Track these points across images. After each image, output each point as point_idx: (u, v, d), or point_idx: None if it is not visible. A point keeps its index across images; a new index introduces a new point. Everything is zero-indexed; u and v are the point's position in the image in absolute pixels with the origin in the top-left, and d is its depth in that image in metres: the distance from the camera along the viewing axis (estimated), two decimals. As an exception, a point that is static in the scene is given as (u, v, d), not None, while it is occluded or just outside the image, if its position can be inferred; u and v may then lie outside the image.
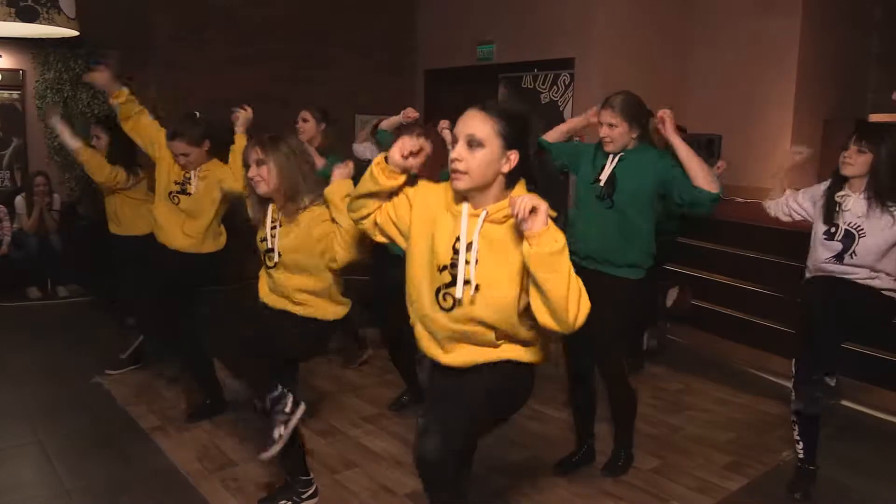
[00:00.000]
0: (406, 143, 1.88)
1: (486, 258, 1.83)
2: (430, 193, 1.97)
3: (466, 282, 1.83)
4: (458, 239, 1.87)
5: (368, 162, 2.07)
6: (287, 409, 2.59)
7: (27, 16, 3.80)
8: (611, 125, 2.88)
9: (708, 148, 5.67)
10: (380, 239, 2.06)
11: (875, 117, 6.02)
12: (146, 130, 3.62)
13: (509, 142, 1.81)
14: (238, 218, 3.46)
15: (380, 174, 1.92)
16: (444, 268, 1.88)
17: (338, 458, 3.25)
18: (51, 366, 4.38)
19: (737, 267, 4.87)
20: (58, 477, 3.05)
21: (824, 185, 3.02)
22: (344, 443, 3.43)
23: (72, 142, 4.02)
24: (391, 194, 1.98)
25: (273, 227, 2.60)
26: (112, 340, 4.49)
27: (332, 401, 3.93)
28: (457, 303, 1.86)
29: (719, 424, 3.76)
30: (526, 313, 1.87)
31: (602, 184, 2.91)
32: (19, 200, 5.91)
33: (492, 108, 1.83)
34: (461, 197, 1.89)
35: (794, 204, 3.17)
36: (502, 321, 1.86)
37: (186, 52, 6.31)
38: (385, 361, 4.49)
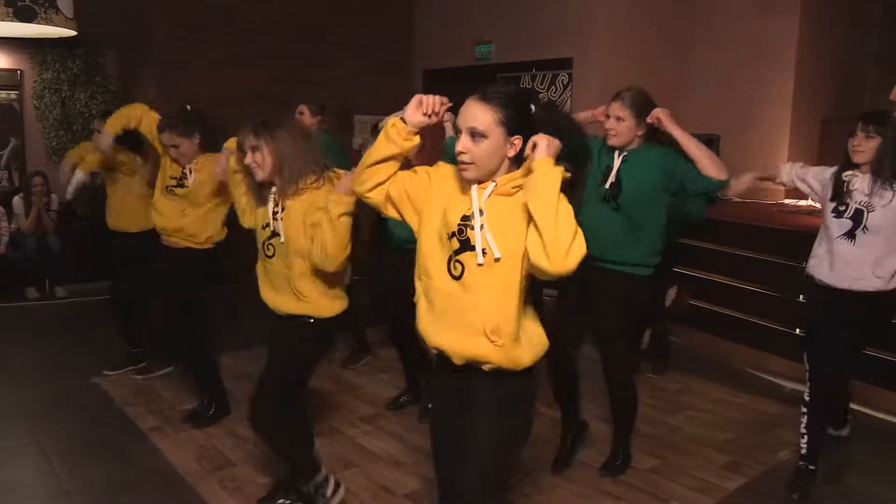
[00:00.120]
0: (426, 101, 1.88)
1: (493, 228, 1.84)
2: (448, 172, 1.98)
3: (474, 247, 1.84)
4: (465, 218, 1.88)
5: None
6: (328, 494, 2.74)
7: (25, 15, 3.80)
8: (619, 118, 2.89)
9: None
10: (390, 213, 2.02)
11: (873, 117, 6.02)
12: (150, 125, 3.61)
13: (511, 128, 1.82)
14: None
15: (397, 136, 1.90)
16: (453, 235, 1.88)
17: (336, 458, 3.24)
18: (49, 366, 4.38)
19: (735, 267, 4.87)
20: (57, 477, 3.04)
21: (832, 170, 3.01)
22: (342, 443, 3.43)
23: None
24: (400, 157, 1.96)
25: (276, 213, 2.55)
26: (111, 341, 4.49)
27: (330, 401, 3.93)
28: (465, 269, 1.86)
29: (718, 424, 3.77)
30: (526, 310, 1.88)
31: (607, 187, 2.92)
32: (17, 200, 5.91)
33: (491, 96, 1.83)
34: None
35: (807, 177, 3.14)
36: (502, 298, 1.85)
37: (185, 52, 6.30)
38: (384, 362, 4.50)
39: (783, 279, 4.49)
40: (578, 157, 1.92)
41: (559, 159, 1.79)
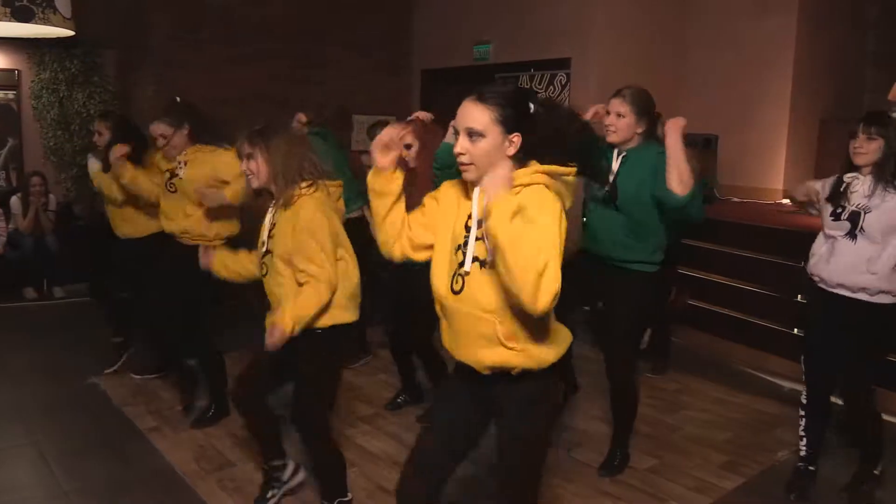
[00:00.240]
0: (383, 139, 1.92)
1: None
2: (451, 188, 2.00)
3: (474, 259, 1.84)
4: (469, 217, 1.89)
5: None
6: (285, 479, 2.81)
7: (23, 15, 3.79)
8: (619, 114, 2.89)
9: (705, 147, 5.67)
10: (421, 257, 2.02)
11: (872, 117, 6.02)
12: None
13: (509, 126, 1.81)
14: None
15: (382, 186, 1.96)
16: (459, 248, 1.89)
17: (335, 458, 3.24)
18: (48, 366, 4.37)
19: (734, 267, 4.87)
20: (55, 478, 3.04)
21: (835, 176, 3.01)
22: (341, 443, 3.42)
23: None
24: (399, 196, 2.00)
25: (271, 230, 2.52)
26: (110, 341, 4.48)
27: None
28: (465, 283, 1.86)
29: (717, 424, 3.77)
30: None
31: (607, 189, 2.92)
32: (15, 201, 5.90)
33: (487, 96, 1.83)
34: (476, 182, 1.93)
35: (812, 188, 3.14)
36: (507, 306, 1.83)
37: (184, 52, 6.30)
38: (383, 362, 4.49)
39: (782, 279, 4.49)
40: (587, 153, 1.92)
41: (567, 158, 1.80)
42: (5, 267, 5.77)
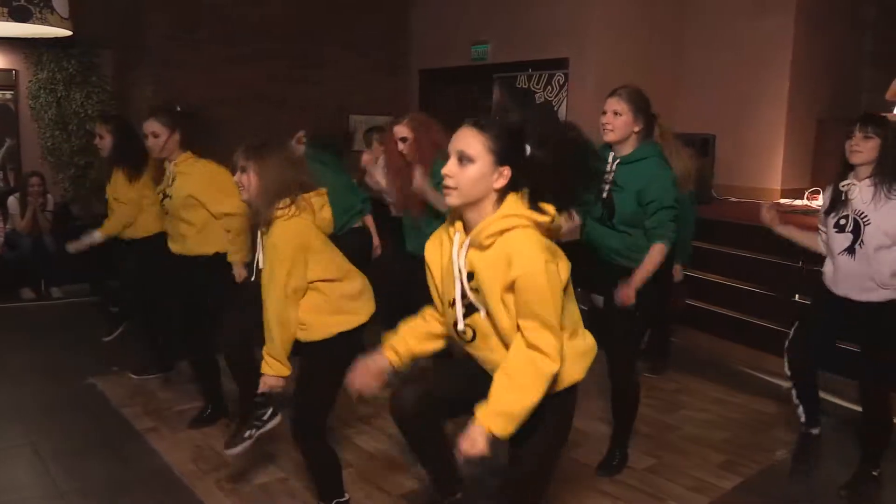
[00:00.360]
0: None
1: (479, 286, 1.85)
2: (433, 246, 2.00)
3: (474, 309, 1.87)
4: (453, 271, 1.90)
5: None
6: (265, 418, 2.69)
7: (20, 15, 3.79)
8: (616, 113, 2.87)
9: (702, 148, 5.67)
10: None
11: (869, 117, 6.03)
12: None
13: (501, 157, 1.79)
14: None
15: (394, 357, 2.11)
16: (452, 303, 1.91)
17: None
18: (46, 366, 4.37)
19: (732, 267, 4.88)
20: (52, 478, 3.03)
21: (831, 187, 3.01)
22: (338, 443, 3.42)
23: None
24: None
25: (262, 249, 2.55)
26: (110, 341, 4.48)
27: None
28: (475, 332, 1.91)
29: (715, 424, 3.77)
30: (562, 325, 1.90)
31: (603, 208, 2.92)
32: (12, 201, 5.90)
33: (485, 124, 1.82)
34: (457, 216, 1.90)
35: (772, 212, 3.17)
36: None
37: (182, 52, 6.29)
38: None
39: (780, 279, 4.49)
40: (591, 182, 1.94)
41: (569, 189, 1.87)
42: (3, 267, 5.76)
